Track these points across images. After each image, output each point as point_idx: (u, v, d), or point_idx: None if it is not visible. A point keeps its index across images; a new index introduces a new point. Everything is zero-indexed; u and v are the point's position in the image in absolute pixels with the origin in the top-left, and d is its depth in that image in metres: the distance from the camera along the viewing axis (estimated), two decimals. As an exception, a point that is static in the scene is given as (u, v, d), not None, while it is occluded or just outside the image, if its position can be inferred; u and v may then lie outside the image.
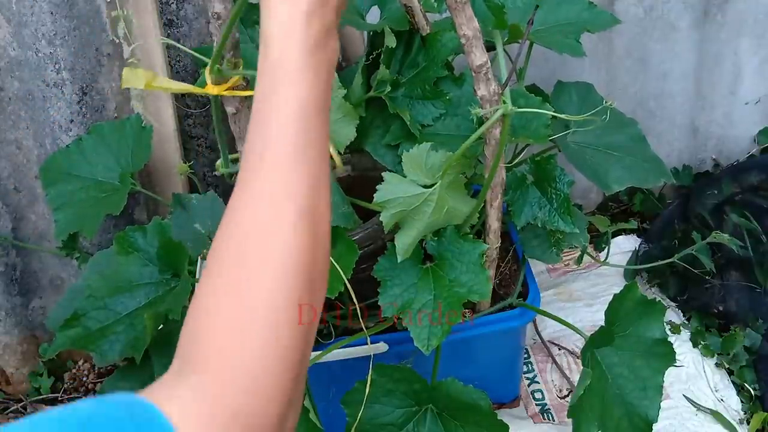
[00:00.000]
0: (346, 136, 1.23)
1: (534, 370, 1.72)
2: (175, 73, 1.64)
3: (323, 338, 1.34)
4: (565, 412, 1.48)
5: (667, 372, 1.28)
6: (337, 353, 1.29)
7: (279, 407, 0.62)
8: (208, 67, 0.99)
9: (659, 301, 1.29)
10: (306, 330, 0.65)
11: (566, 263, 1.91)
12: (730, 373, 1.67)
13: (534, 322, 1.78)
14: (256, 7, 1.40)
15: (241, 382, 0.61)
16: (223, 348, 0.62)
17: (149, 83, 0.97)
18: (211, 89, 1.01)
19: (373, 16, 1.35)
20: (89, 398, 0.58)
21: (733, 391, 1.64)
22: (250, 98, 1.08)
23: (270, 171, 0.66)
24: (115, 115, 1.62)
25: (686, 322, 1.76)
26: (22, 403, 1.75)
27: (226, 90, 1.01)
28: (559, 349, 1.75)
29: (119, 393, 0.59)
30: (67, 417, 0.55)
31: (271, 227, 0.64)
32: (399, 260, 1.17)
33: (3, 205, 1.63)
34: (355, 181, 1.42)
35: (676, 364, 1.41)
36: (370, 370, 1.22)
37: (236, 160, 1.17)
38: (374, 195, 1.12)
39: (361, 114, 1.26)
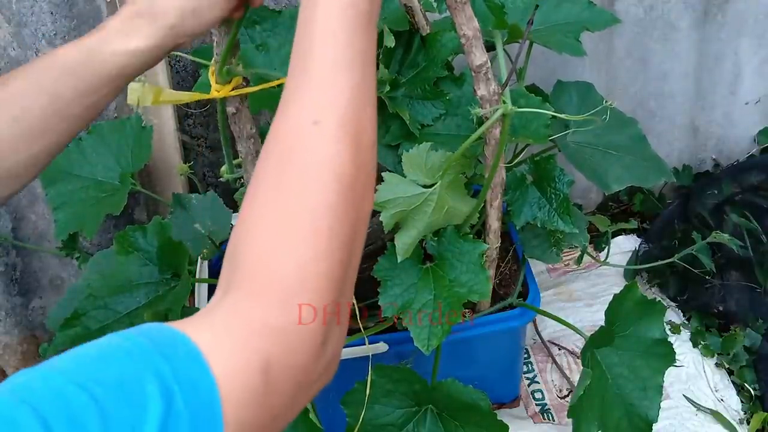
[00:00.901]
0: None
1: (534, 370, 1.72)
2: (175, 73, 1.64)
3: (323, 338, 1.34)
4: (565, 412, 1.48)
5: (667, 372, 1.28)
6: (337, 353, 1.29)
7: (318, 323, 0.59)
8: (211, 73, 0.99)
9: (659, 301, 1.29)
10: (350, 241, 0.63)
11: (566, 263, 1.91)
12: (730, 373, 1.67)
13: (534, 322, 1.78)
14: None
15: (277, 294, 0.58)
16: (259, 260, 0.59)
17: (156, 98, 0.97)
18: (217, 93, 1.01)
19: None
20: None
21: (733, 391, 1.64)
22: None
23: (312, 81, 0.65)
24: (115, 115, 1.62)
25: (686, 322, 1.76)
26: (22, 403, 1.75)
27: (231, 91, 1.01)
28: (559, 349, 1.75)
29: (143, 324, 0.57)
30: (86, 351, 0.53)
31: (312, 137, 0.63)
32: (399, 260, 1.17)
33: (3, 205, 1.63)
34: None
35: (676, 364, 1.41)
36: (370, 371, 1.22)
37: (240, 165, 1.17)
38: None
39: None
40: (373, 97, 0.68)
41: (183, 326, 0.56)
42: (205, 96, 1.02)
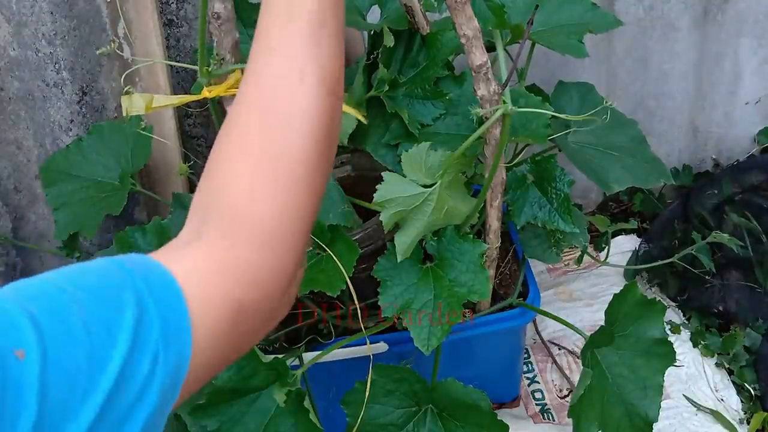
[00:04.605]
0: (349, 125, 1.23)
1: (534, 370, 1.72)
2: (175, 73, 1.64)
3: (323, 338, 1.34)
4: (565, 412, 1.48)
5: (667, 372, 1.28)
6: (337, 353, 1.29)
7: (290, 263, 0.63)
8: (203, 73, 0.99)
9: (659, 301, 1.29)
10: (320, 188, 0.66)
11: (566, 263, 1.91)
12: (730, 373, 1.67)
13: (534, 322, 1.78)
14: (256, 7, 1.39)
15: (256, 236, 0.61)
16: (239, 202, 0.62)
17: (148, 106, 0.97)
18: (207, 93, 1.01)
19: (374, 15, 1.35)
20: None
21: (733, 391, 1.64)
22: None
23: (296, 33, 0.66)
24: (115, 115, 1.61)
25: (686, 322, 1.76)
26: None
27: (222, 92, 1.01)
28: (559, 349, 1.75)
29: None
30: (69, 266, 0.57)
31: (296, 87, 0.65)
32: (399, 260, 1.17)
33: (3, 205, 1.63)
34: (355, 181, 1.42)
35: (676, 364, 1.41)
36: (370, 371, 1.22)
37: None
38: (374, 195, 1.12)
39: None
40: (343, 45, 0.70)
41: (158, 257, 0.59)
42: (196, 97, 1.02)
